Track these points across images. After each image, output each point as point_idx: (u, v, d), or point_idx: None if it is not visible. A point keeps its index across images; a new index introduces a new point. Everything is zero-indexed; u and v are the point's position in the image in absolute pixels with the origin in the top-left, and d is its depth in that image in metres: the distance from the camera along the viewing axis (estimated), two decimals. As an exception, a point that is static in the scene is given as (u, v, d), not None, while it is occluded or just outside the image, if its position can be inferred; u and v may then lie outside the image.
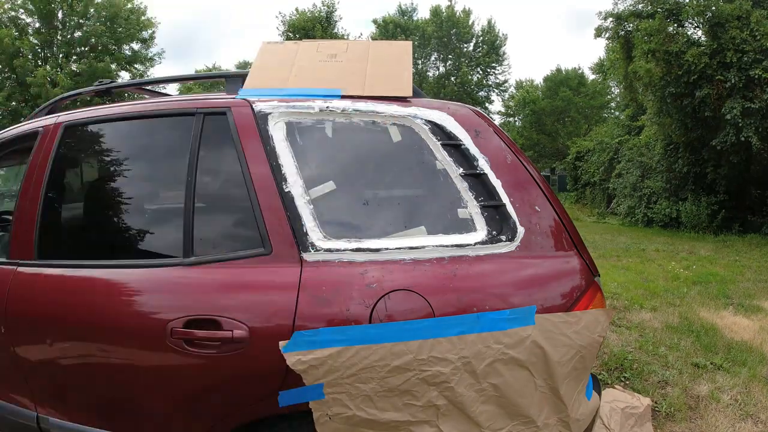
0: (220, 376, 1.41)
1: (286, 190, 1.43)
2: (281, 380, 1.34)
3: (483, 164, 1.44)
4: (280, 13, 40.95)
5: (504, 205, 1.41)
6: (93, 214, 1.97)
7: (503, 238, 1.39)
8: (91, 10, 21.28)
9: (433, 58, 32.38)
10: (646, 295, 5.37)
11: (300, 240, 1.39)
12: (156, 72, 24.45)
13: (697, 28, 10.91)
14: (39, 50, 21.20)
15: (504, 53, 31.70)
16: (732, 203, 11.48)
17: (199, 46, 60.55)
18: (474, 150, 1.44)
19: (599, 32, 12.38)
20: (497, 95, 33.20)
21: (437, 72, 31.84)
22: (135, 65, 23.16)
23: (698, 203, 11.78)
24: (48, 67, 20.32)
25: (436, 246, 1.37)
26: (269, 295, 1.40)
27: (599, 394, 1.64)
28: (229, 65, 35.12)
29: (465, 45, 32.00)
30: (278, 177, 1.44)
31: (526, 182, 1.47)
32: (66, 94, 2.22)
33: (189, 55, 58.73)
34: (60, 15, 21.05)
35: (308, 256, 1.38)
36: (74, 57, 21.63)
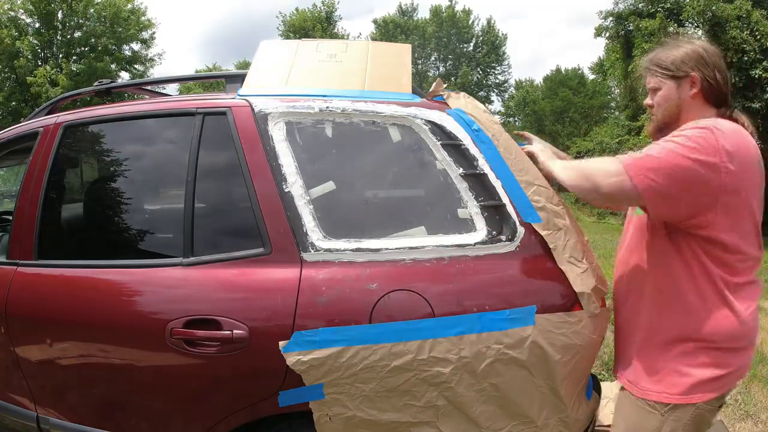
0: (220, 376, 1.41)
1: (286, 190, 1.43)
2: (281, 380, 1.34)
3: (483, 164, 1.43)
4: (280, 13, 40.95)
5: (504, 205, 1.41)
6: (93, 214, 1.97)
7: (503, 238, 1.39)
8: (91, 10, 21.26)
9: (433, 58, 32.41)
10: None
11: (300, 240, 1.39)
12: (156, 72, 24.45)
13: (698, 28, 10.91)
14: (39, 50, 21.19)
15: (504, 53, 31.75)
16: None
17: (206, 45, 60.50)
18: (474, 150, 1.44)
19: (599, 31, 12.39)
20: (497, 95, 33.27)
21: (437, 72, 31.85)
22: (135, 65, 23.16)
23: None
24: (48, 67, 20.29)
25: (436, 246, 1.37)
26: (269, 295, 1.40)
27: (599, 394, 1.64)
28: (228, 65, 35.14)
29: (465, 45, 32.03)
30: (278, 177, 1.44)
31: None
32: (66, 94, 2.22)
33: (190, 56, 58.64)
34: (60, 15, 21.03)
35: (308, 256, 1.38)
36: (74, 57, 21.61)
